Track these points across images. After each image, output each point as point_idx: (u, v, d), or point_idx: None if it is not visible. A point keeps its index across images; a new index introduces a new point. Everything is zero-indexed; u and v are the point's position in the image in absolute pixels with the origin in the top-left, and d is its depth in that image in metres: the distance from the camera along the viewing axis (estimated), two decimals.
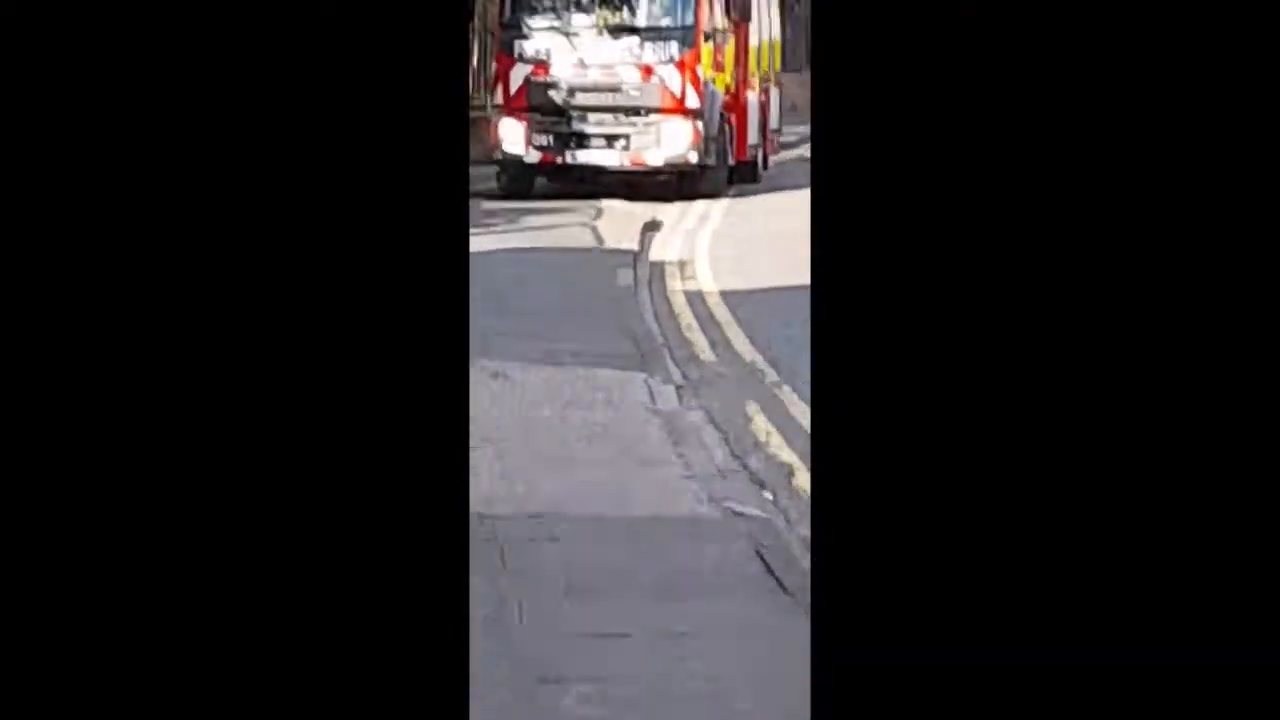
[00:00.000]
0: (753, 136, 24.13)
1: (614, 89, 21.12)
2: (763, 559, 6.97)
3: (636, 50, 21.19)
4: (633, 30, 21.31)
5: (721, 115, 21.92)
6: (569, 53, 21.12)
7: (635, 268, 15.90)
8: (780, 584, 6.67)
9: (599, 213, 19.90)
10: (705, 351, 11.82)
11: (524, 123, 21.06)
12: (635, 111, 21.12)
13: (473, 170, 22.34)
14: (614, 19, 21.32)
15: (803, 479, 8.13)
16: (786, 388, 10.38)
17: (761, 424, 9.52)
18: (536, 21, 21.30)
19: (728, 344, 12.08)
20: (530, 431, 9.27)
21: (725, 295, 14.14)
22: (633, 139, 21.10)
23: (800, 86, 29.29)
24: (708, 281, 15.05)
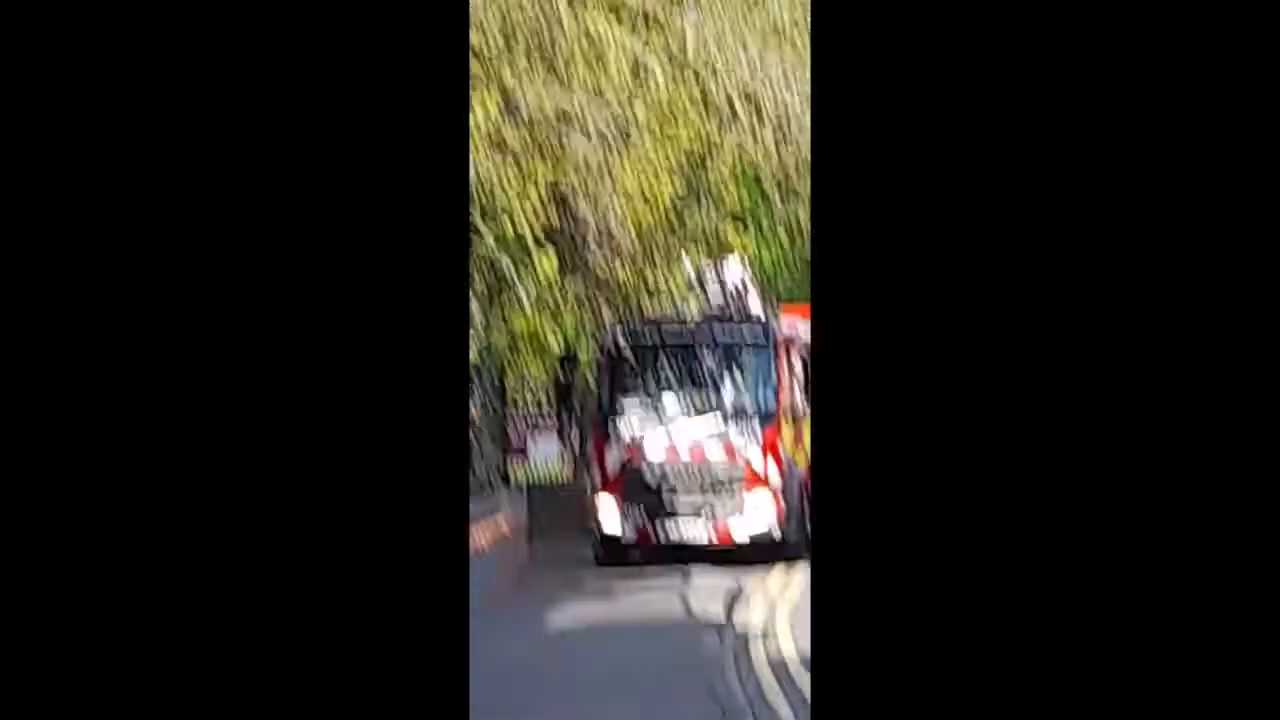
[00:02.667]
0: None
1: (701, 468, 22.60)
2: None
3: (722, 430, 22.70)
4: (718, 411, 22.88)
5: (802, 487, 23.18)
6: (660, 436, 22.70)
7: (720, 635, 16.26)
8: None
9: (687, 579, 20.62)
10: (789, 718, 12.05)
11: (619, 502, 22.60)
12: (720, 488, 22.56)
13: (570, 541, 23.34)
14: (700, 402, 22.87)
15: None
16: None
17: None
18: (630, 410, 22.94)
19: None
20: None
21: (808, 662, 13.54)
22: (718, 514, 22.48)
23: None
24: (789, 648, 15.06)
